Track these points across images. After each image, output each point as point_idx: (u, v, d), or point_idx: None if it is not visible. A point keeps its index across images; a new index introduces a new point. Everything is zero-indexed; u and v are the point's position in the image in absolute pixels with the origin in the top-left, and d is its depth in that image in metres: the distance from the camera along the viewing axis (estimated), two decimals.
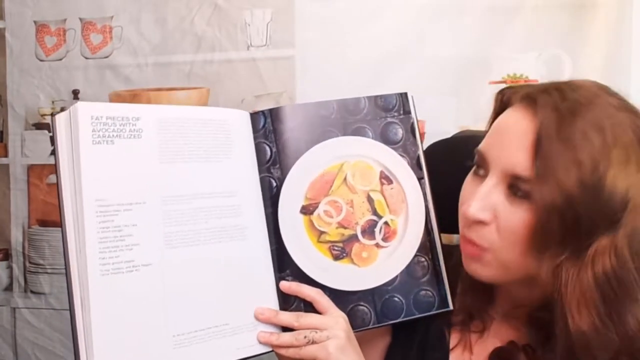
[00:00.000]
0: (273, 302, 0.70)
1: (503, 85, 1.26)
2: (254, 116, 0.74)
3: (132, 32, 1.46)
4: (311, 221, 0.73)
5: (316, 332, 0.65)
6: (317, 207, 0.73)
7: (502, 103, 0.69)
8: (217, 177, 0.69)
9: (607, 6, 1.20)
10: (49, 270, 1.51)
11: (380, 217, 0.74)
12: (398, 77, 1.31)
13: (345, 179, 0.74)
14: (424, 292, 0.73)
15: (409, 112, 0.77)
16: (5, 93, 1.53)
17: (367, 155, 0.75)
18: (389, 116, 0.76)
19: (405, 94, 0.77)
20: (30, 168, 1.53)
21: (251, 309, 0.68)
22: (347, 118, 0.75)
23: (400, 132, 0.76)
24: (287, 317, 0.68)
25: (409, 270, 0.73)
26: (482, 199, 0.64)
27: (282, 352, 0.66)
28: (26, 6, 1.51)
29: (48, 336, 1.52)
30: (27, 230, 1.53)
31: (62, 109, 1.50)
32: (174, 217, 0.65)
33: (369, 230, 0.73)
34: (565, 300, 0.60)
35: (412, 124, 0.77)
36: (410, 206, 0.75)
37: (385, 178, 0.75)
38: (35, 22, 1.51)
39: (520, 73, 1.27)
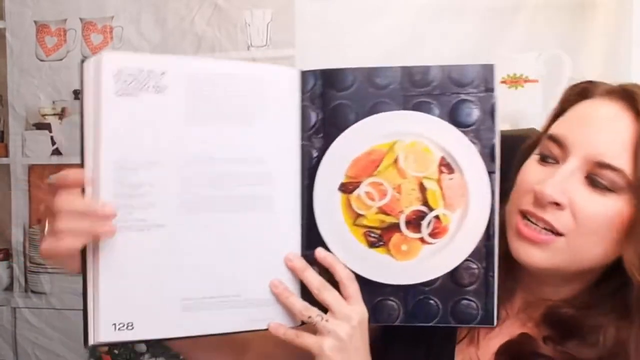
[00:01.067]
0: (294, 281, 0.66)
1: (503, 85, 1.27)
2: (304, 75, 0.66)
3: (132, 32, 1.46)
4: (349, 201, 0.65)
5: (321, 319, 0.62)
6: (358, 186, 0.65)
7: (578, 95, 0.68)
8: (247, 142, 0.63)
9: (607, 6, 1.20)
10: (49, 270, 1.51)
11: (431, 209, 0.65)
12: None
13: (395, 160, 0.65)
14: (466, 302, 0.65)
15: (492, 90, 0.64)
16: (5, 93, 1.53)
17: (427, 136, 0.64)
18: (463, 92, 0.64)
19: (492, 66, 0.64)
20: (31, 168, 1.53)
21: (268, 283, 0.65)
22: (409, 90, 0.65)
23: (475, 113, 0.64)
24: (313, 279, 0.64)
25: (454, 274, 0.65)
26: (559, 181, 0.61)
27: (281, 335, 0.64)
28: (26, 6, 1.51)
29: (48, 336, 1.52)
30: (27, 230, 1.53)
31: (63, 109, 1.50)
32: (194, 181, 0.61)
33: (414, 222, 0.65)
34: None
35: (493, 105, 0.64)
36: (472, 203, 0.64)
37: (446, 166, 0.64)
38: (35, 22, 1.51)
39: (520, 73, 1.26)
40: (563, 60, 1.21)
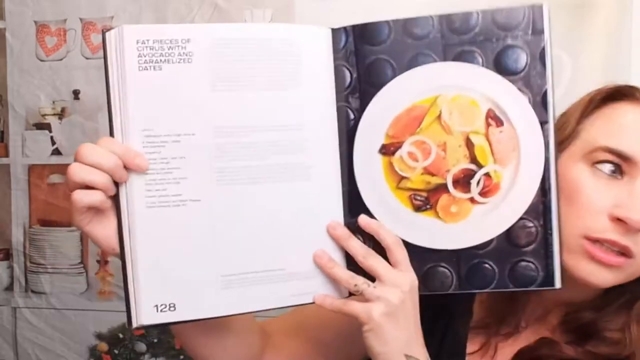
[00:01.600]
0: (338, 251, 0.63)
1: None
2: (335, 33, 0.63)
3: None
4: (391, 163, 0.62)
5: (368, 285, 0.60)
6: (399, 147, 0.61)
7: (611, 95, 0.67)
8: (281, 108, 0.61)
9: (607, 6, 1.20)
10: (50, 270, 1.51)
11: (480, 166, 0.60)
12: None
13: (439, 116, 0.61)
14: (525, 263, 0.60)
15: (542, 32, 0.59)
16: (5, 93, 1.53)
17: (472, 87, 0.60)
18: (510, 36, 0.59)
19: (540, 6, 0.59)
20: (31, 168, 1.53)
21: (311, 255, 0.62)
22: (450, 38, 0.60)
23: (523, 58, 0.59)
24: (358, 247, 0.62)
25: (509, 235, 0.60)
26: None
27: (327, 305, 0.62)
28: (26, 6, 1.51)
29: (49, 336, 1.52)
30: (28, 230, 1.53)
31: (63, 109, 1.50)
32: (226, 151, 0.60)
33: (463, 181, 0.61)
34: None
35: (544, 48, 0.59)
36: (524, 156, 0.59)
37: (494, 118, 0.60)
38: (35, 22, 1.51)
39: None
40: (563, 60, 1.21)
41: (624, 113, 0.65)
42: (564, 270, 0.62)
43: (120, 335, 1.48)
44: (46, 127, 1.51)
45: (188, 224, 0.60)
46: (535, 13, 0.59)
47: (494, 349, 0.70)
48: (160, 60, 0.58)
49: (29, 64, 1.51)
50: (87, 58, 1.49)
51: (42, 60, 1.51)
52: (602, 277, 0.62)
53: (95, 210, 0.58)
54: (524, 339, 0.69)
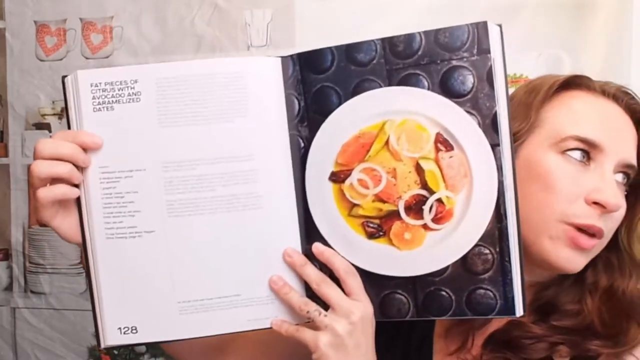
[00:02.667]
0: (295, 277, 0.64)
1: None
2: (284, 62, 0.62)
3: (132, 32, 1.46)
4: (342, 191, 0.61)
5: (319, 313, 0.61)
6: (349, 174, 0.61)
7: (567, 84, 0.70)
8: (228, 140, 0.62)
9: (607, 6, 1.20)
10: (49, 270, 1.51)
11: (432, 192, 0.59)
12: None
13: (387, 142, 0.60)
14: (482, 291, 0.59)
15: (487, 52, 0.57)
16: (5, 93, 1.53)
17: (419, 112, 0.59)
18: (454, 58, 0.57)
19: (485, 23, 0.57)
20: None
21: (267, 281, 0.64)
22: (394, 63, 0.59)
23: (469, 79, 0.57)
24: (312, 274, 0.62)
25: (465, 262, 0.59)
26: (615, 187, 0.65)
27: (283, 331, 0.63)
28: (26, 6, 1.51)
29: (48, 336, 1.51)
30: (27, 230, 1.53)
31: (63, 109, 1.50)
32: (175, 185, 0.62)
33: (415, 208, 0.60)
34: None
35: (490, 68, 0.57)
36: (476, 181, 0.58)
37: (443, 142, 0.59)
38: (35, 22, 1.51)
39: (520, 73, 1.26)
40: (563, 60, 1.21)
41: (584, 102, 0.69)
42: (525, 295, 0.60)
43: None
44: (46, 127, 1.51)
45: (144, 253, 0.63)
46: (480, 31, 0.57)
47: (472, 340, 0.71)
48: (112, 100, 0.61)
49: (29, 64, 1.51)
50: (87, 58, 1.49)
51: (42, 60, 1.51)
52: (578, 262, 0.65)
53: (59, 204, 0.62)
54: (496, 323, 0.70)
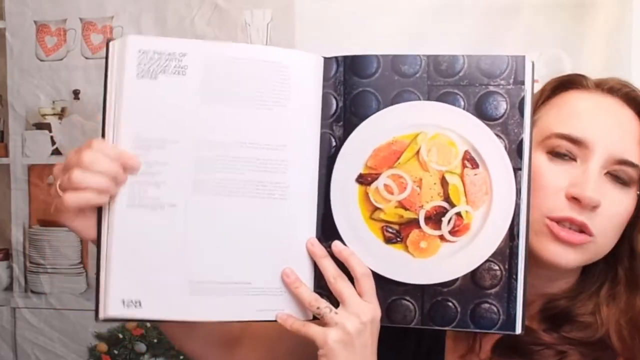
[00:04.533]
0: (307, 272, 0.64)
1: None
2: (327, 62, 0.65)
3: (132, 32, 1.45)
4: (367, 193, 0.63)
5: (330, 310, 0.61)
6: (377, 178, 0.63)
7: (562, 86, 0.71)
8: (265, 127, 0.63)
9: (607, 6, 1.20)
10: (49, 270, 1.51)
11: (453, 205, 0.62)
12: None
13: (417, 152, 0.62)
14: (487, 305, 0.61)
15: (522, 83, 0.61)
16: (5, 93, 1.53)
17: (452, 128, 0.62)
18: (492, 84, 0.61)
19: (523, 57, 0.61)
20: (31, 168, 1.53)
21: (280, 272, 0.64)
22: (435, 79, 0.62)
23: (503, 106, 0.61)
24: (330, 267, 0.63)
25: (474, 275, 0.61)
26: (595, 183, 0.64)
27: (288, 326, 0.63)
28: (26, 6, 1.50)
29: (48, 336, 1.51)
30: (27, 230, 1.53)
31: (63, 109, 1.50)
32: (207, 162, 0.62)
33: (434, 218, 0.62)
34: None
35: (523, 98, 0.61)
36: (496, 200, 0.61)
37: (470, 160, 0.62)
38: (35, 22, 1.51)
39: None
40: (563, 60, 1.21)
41: (573, 100, 0.69)
42: (525, 314, 0.62)
43: (120, 336, 1.48)
44: (46, 127, 1.51)
45: (163, 226, 0.62)
46: (518, 64, 0.61)
47: (479, 344, 0.71)
48: (157, 70, 0.61)
49: (29, 64, 1.51)
50: (87, 58, 1.49)
51: (42, 60, 1.51)
52: (567, 257, 0.65)
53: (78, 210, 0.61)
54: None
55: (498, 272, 0.61)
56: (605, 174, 0.65)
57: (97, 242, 0.62)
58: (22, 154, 1.53)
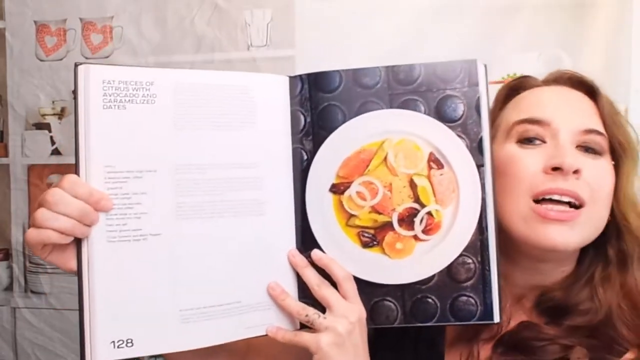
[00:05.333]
0: (291, 283, 0.66)
1: None
2: (292, 80, 0.68)
3: (132, 32, 1.46)
4: (341, 202, 0.66)
5: (319, 316, 0.63)
6: (349, 187, 0.66)
7: (519, 87, 0.74)
8: (237, 147, 0.64)
9: (607, 6, 1.20)
10: (49, 270, 1.51)
11: (423, 205, 0.65)
12: None
13: (385, 158, 0.66)
14: (465, 298, 0.64)
15: (476, 85, 0.65)
16: (5, 93, 1.53)
17: (415, 133, 0.65)
18: (449, 88, 0.65)
19: (474, 61, 0.65)
20: (31, 168, 1.53)
21: (265, 287, 0.65)
22: (395, 88, 0.65)
23: (461, 107, 0.64)
24: (313, 276, 0.65)
25: (450, 270, 0.64)
26: (570, 150, 0.66)
27: (279, 338, 0.65)
28: (26, 6, 1.51)
29: (48, 336, 1.51)
30: (27, 230, 1.53)
31: (63, 109, 1.50)
32: (186, 187, 0.62)
33: (407, 220, 0.65)
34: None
35: (478, 99, 0.64)
36: (463, 197, 0.64)
37: (435, 161, 0.65)
38: (35, 22, 1.51)
39: (520, 73, 1.26)
40: (563, 60, 1.21)
41: (527, 95, 0.73)
42: (501, 302, 0.64)
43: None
44: (46, 127, 1.51)
45: (148, 258, 0.61)
46: (471, 68, 0.65)
47: (477, 351, 0.71)
48: (125, 100, 0.60)
49: (29, 64, 1.51)
50: (87, 58, 1.49)
51: (42, 60, 1.51)
52: (565, 236, 0.65)
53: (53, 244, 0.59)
54: (503, 326, 0.70)
55: (472, 265, 0.64)
56: (577, 147, 0.67)
57: (78, 282, 0.60)
58: (21, 154, 1.53)
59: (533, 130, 0.68)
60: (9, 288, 1.55)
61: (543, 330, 0.66)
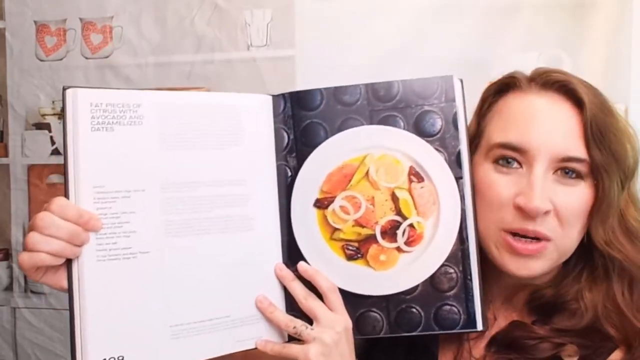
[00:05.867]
0: (279, 296, 0.68)
1: None
2: (275, 99, 0.70)
3: (132, 32, 1.46)
4: (325, 216, 0.68)
5: (306, 327, 0.64)
6: (332, 201, 0.68)
7: (500, 90, 0.71)
8: (223, 165, 0.66)
9: (607, 6, 1.20)
10: None
11: (405, 218, 0.67)
12: (398, 77, 1.30)
13: (367, 173, 0.68)
14: (448, 307, 0.66)
15: (453, 100, 0.67)
16: (5, 93, 1.53)
17: (395, 148, 0.67)
18: (426, 104, 0.67)
19: (450, 77, 0.68)
20: (31, 168, 1.53)
21: (254, 301, 0.67)
22: (375, 105, 0.68)
23: (438, 122, 0.67)
24: (299, 288, 0.67)
25: (433, 280, 0.66)
26: (540, 189, 0.63)
27: (268, 350, 0.66)
28: (26, 6, 1.51)
29: (48, 336, 1.51)
30: (27, 230, 1.53)
31: (63, 109, 1.50)
32: (174, 205, 0.64)
33: (390, 232, 0.67)
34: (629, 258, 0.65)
35: (455, 114, 0.67)
36: (443, 209, 0.66)
37: (415, 175, 0.67)
38: (35, 22, 1.51)
39: None
40: (563, 60, 1.21)
41: (511, 105, 0.69)
42: (485, 310, 0.66)
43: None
44: (46, 127, 1.51)
45: (137, 276, 0.62)
46: (447, 84, 0.67)
47: (469, 350, 0.71)
48: (113, 122, 0.62)
49: (29, 64, 1.51)
50: (86, 58, 1.49)
51: (42, 60, 1.51)
52: (529, 267, 0.65)
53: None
54: (495, 326, 0.71)
55: (454, 275, 0.66)
56: (554, 172, 0.65)
57: (69, 301, 0.61)
58: (21, 154, 1.53)
59: (511, 155, 0.66)
60: (9, 288, 1.55)
61: (532, 329, 0.67)
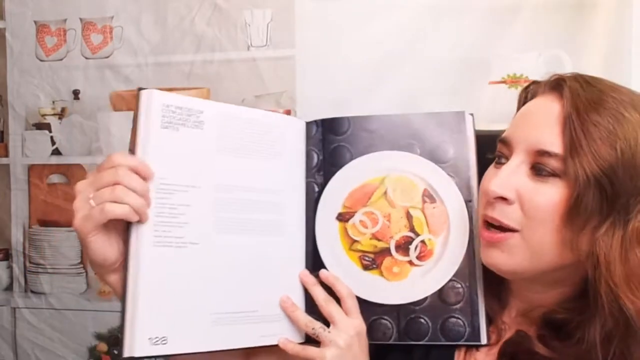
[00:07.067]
0: (300, 298, 0.74)
1: (503, 85, 1.26)
2: (309, 125, 0.78)
3: (132, 32, 1.46)
4: (346, 229, 0.75)
5: (324, 330, 0.69)
6: (353, 216, 0.75)
7: (526, 99, 0.71)
8: (267, 175, 0.74)
9: (607, 6, 1.20)
10: (49, 270, 1.51)
11: (417, 234, 0.73)
12: (398, 77, 1.30)
13: (385, 192, 0.75)
14: (454, 319, 0.71)
15: (464, 132, 0.75)
16: (5, 93, 1.53)
17: (411, 171, 0.75)
18: (441, 134, 0.75)
19: (463, 113, 0.75)
20: (31, 168, 1.53)
21: (278, 300, 0.73)
22: (395, 133, 0.76)
23: (451, 151, 0.74)
24: (321, 293, 0.72)
25: (441, 294, 0.72)
26: (503, 177, 0.65)
27: (289, 349, 0.70)
28: (26, 6, 1.51)
29: (48, 336, 1.52)
30: (27, 230, 1.53)
31: (63, 109, 1.50)
32: (223, 204, 0.70)
33: (403, 246, 0.73)
34: (613, 279, 0.59)
35: (467, 144, 0.75)
36: (453, 228, 0.73)
37: (429, 196, 0.74)
38: (35, 22, 1.51)
39: (520, 73, 1.26)
40: (563, 60, 1.21)
41: (525, 106, 0.70)
42: (489, 325, 0.70)
43: (120, 336, 1.47)
44: (46, 127, 1.51)
45: (186, 263, 0.67)
46: (459, 118, 0.75)
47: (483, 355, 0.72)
48: (179, 123, 0.69)
49: (29, 64, 1.51)
50: (87, 58, 1.49)
51: (42, 60, 1.51)
52: (493, 257, 0.66)
53: (104, 225, 0.63)
54: (506, 336, 0.71)
55: (461, 290, 0.72)
56: (531, 168, 0.64)
57: (123, 279, 0.65)
58: (22, 154, 1.53)
59: (501, 150, 0.68)
60: (9, 288, 1.55)
61: (535, 346, 0.67)
